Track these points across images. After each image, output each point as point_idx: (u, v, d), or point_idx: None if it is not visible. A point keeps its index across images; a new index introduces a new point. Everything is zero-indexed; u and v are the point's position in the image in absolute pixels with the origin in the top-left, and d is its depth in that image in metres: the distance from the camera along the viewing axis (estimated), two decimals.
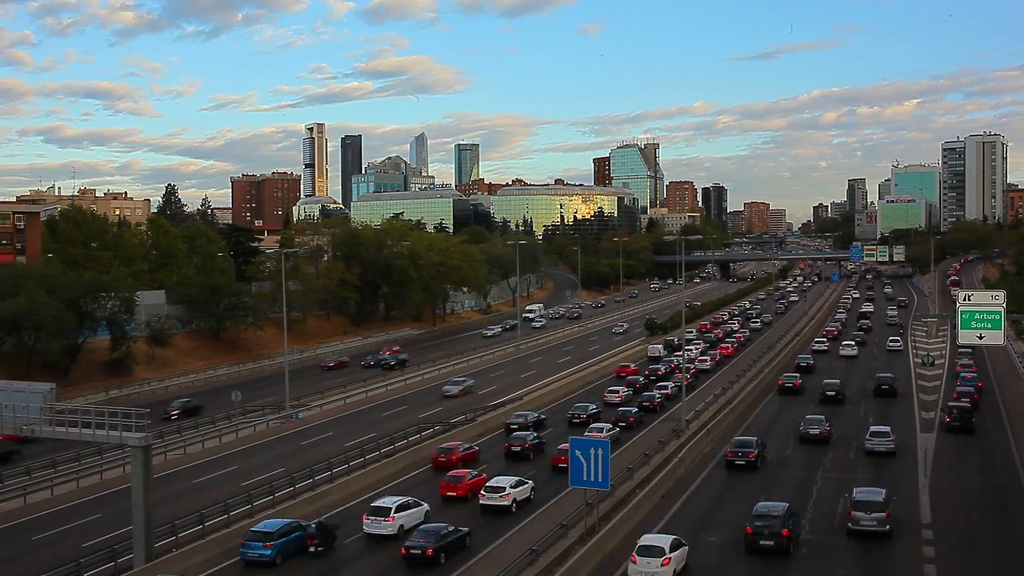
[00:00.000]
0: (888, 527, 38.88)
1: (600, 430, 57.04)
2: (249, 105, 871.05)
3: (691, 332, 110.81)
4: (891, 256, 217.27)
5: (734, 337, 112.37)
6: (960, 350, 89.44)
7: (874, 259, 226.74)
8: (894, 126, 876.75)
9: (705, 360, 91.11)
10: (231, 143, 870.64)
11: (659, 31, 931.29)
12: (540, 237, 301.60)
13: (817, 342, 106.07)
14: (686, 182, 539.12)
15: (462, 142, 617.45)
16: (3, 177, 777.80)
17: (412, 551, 36.92)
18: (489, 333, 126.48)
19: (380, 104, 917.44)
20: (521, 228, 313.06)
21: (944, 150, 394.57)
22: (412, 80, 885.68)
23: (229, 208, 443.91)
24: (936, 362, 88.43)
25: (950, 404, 63.39)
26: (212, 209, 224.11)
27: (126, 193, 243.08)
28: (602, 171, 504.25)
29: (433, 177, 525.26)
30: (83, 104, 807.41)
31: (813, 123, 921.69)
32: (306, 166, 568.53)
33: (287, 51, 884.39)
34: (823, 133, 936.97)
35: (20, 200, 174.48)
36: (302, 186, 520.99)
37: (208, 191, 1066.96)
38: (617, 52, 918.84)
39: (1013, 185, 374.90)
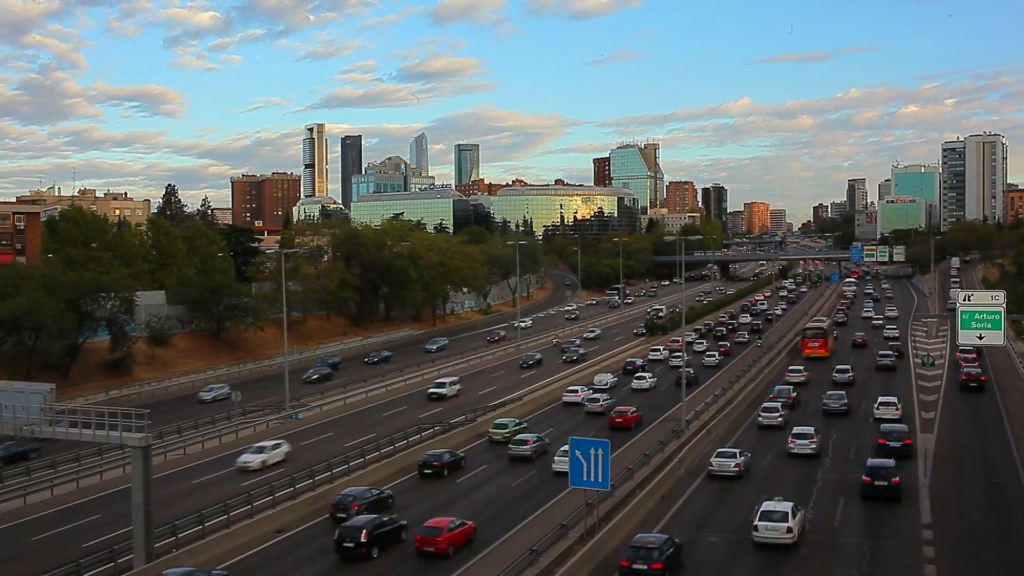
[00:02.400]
0: None
1: None
2: (289, 107, 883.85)
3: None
4: (891, 256, 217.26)
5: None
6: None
7: (874, 259, 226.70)
8: (928, 126, 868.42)
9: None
10: (256, 144, 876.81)
11: (709, 34, 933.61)
12: (540, 237, 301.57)
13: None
14: (686, 182, 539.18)
15: (462, 143, 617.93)
16: (24, 178, 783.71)
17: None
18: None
19: (414, 105, 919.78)
20: (521, 228, 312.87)
21: (944, 150, 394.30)
22: (455, 82, 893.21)
23: (229, 209, 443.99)
24: (936, 362, 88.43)
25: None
26: (212, 210, 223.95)
27: (126, 193, 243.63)
28: (602, 171, 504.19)
29: (433, 177, 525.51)
30: (123, 108, 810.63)
31: (846, 123, 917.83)
32: (306, 166, 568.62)
33: (341, 53, 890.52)
34: (853, 133, 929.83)
35: (20, 200, 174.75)
36: (302, 186, 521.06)
37: (209, 192, 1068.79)
38: (659, 54, 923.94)
39: (1013, 185, 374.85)
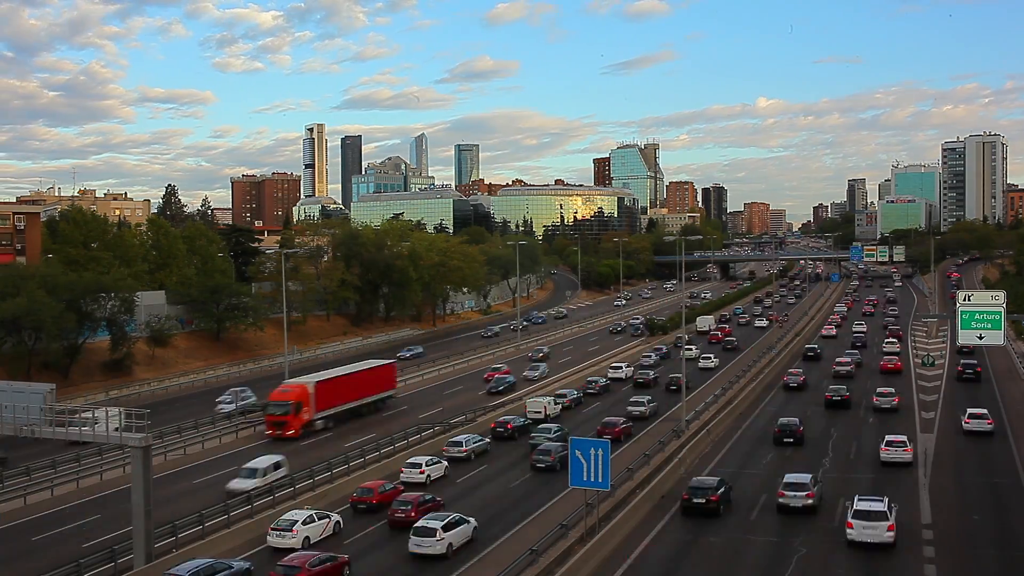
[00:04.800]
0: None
1: None
2: (319, 108, 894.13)
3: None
4: (891, 256, 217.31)
5: None
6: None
7: (874, 259, 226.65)
8: (957, 127, 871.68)
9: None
10: (276, 144, 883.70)
11: (750, 36, 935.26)
12: (540, 237, 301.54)
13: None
14: (686, 182, 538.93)
15: (462, 143, 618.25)
16: (39, 178, 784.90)
17: None
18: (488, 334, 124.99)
19: (441, 107, 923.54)
20: (521, 228, 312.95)
21: (944, 150, 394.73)
22: (492, 84, 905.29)
23: (229, 209, 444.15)
24: (936, 362, 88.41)
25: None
26: (212, 210, 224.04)
27: (126, 194, 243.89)
28: (602, 171, 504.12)
29: (433, 178, 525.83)
30: (154, 109, 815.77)
31: (872, 123, 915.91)
32: (306, 166, 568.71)
33: (387, 55, 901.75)
34: (879, 133, 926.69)
35: (20, 200, 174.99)
36: (302, 186, 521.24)
37: (223, 192, 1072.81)
38: (697, 55, 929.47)
39: (1013, 185, 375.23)
